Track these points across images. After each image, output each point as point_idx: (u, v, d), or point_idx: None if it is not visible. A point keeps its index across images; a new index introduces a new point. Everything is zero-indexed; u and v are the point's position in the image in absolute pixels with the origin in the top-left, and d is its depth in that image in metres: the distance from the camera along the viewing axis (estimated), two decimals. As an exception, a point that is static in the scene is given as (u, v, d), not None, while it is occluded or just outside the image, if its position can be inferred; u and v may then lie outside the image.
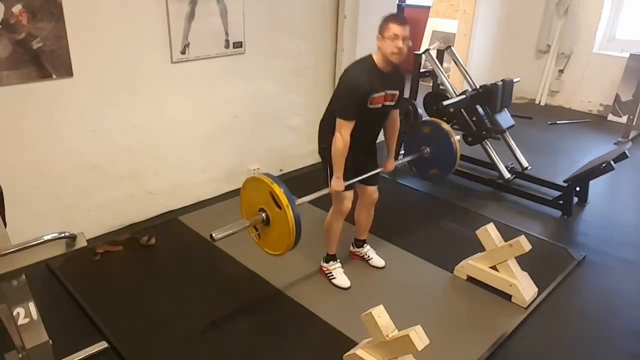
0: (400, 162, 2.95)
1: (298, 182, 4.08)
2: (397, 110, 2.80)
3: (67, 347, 2.03)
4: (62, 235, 1.61)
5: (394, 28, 2.42)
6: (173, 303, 2.70)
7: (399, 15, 2.52)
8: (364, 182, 2.81)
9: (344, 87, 2.54)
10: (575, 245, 3.39)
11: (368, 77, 2.48)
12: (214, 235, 2.23)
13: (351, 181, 2.68)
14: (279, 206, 2.26)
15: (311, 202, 3.66)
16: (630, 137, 5.34)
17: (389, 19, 2.48)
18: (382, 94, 2.55)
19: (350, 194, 2.73)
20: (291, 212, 2.25)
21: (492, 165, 4.12)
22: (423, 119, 3.03)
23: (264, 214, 2.38)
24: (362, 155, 2.74)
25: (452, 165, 3.05)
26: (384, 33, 2.45)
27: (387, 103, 2.62)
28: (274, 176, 2.36)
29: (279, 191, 2.26)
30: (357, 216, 2.97)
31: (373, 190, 2.87)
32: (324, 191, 2.67)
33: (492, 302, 2.76)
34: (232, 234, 2.30)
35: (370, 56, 2.55)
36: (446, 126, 3.01)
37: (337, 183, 2.61)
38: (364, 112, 2.52)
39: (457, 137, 3.02)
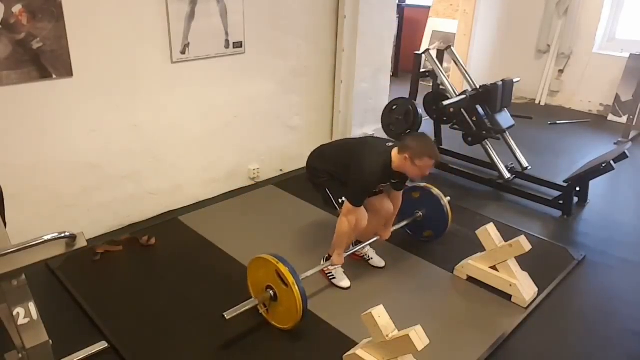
0: (395, 227, 3.05)
1: (298, 182, 4.09)
2: (401, 192, 2.88)
3: (67, 347, 2.03)
4: (62, 235, 1.61)
5: (430, 163, 2.51)
6: (173, 303, 2.70)
7: (436, 151, 2.56)
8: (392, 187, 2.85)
9: (360, 176, 2.57)
10: (575, 245, 3.39)
11: (382, 174, 2.58)
12: (225, 315, 2.32)
13: (348, 253, 2.79)
14: (285, 284, 2.34)
15: (309, 201, 3.69)
16: (630, 137, 5.34)
17: (428, 153, 2.50)
18: (387, 184, 2.75)
19: (365, 213, 2.73)
20: (297, 288, 2.31)
21: (492, 165, 4.12)
22: (412, 185, 3.11)
23: (271, 292, 2.44)
24: None
25: (445, 227, 3.17)
26: (416, 161, 2.49)
27: (389, 186, 2.79)
28: (278, 255, 2.41)
29: (284, 269, 2.33)
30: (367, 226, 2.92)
31: (395, 198, 2.89)
32: (327, 264, 2.76)
33: (492, 302, 2.76)
34: (242, 312, 2.39)
35: (389, 154, 2.59)
36: (436, 191, 3.14)
37: (339, 259, 2.72)
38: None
39: (447, 199, 3.13)
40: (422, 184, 3.22)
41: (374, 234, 2.96)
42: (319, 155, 2.88)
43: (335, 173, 2.75)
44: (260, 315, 2.55)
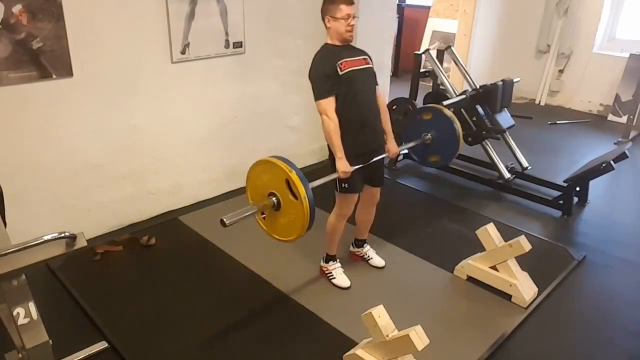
0: (403, 148, 2.91)
1: (298, 182, 4.09)
2: (379, 89, 2.77)
3: (67, 347, 2.03)
4: (62, 235, 1.61)
5: (345, 9, 2.47)
6: (173, 303, 2.70)
7: None
8: (372, 182, 2.79)
9: (311, 72, 2.56)
10: (575, 245, 3.39)
11: (328, 54, 2.55)
12: (225, 220, 2.17)
13: (359, 166, 2.61)
14: (295, 195, 2.17)
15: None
16: (630, 137, 5.34)
17: (336, 0, 2.49)
18: (349, 59, 2.56)
19: (355, 197, 2.72)
20: (307, 203, 2.15)
21: (492, 165, 4.12)
22: (423, 106, 3.02)
23: (274, 199, 2.28)
24: (365, 135, 2.64)
25: (454, 152, 3.03)
26: (335, 14, 2.49)
27: (360, 67, 2.59)
28: (289, 161, 2.25)
29: (297, 181, 2.16)
30: (357, 216, 2.97)
31: (377, 192, 2.87)
32: (334, 175, 2.57)
33: (492, 302, 2.76)
34: (242, 218, 2.23)
35: (323, 44, 2.62)
36: (448, 112, 2.97)
37: (342, 163, 2.52)
38: (341, 83, 2.51)
39: (459, 124, 3.01)
40: (434, 105, 3.09)
41: (367, 224, 2.96)
42: None
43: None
44: (259, 315, 2.55)
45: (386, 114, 2.78)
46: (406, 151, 3.26)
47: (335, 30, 2.53)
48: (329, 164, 2.67)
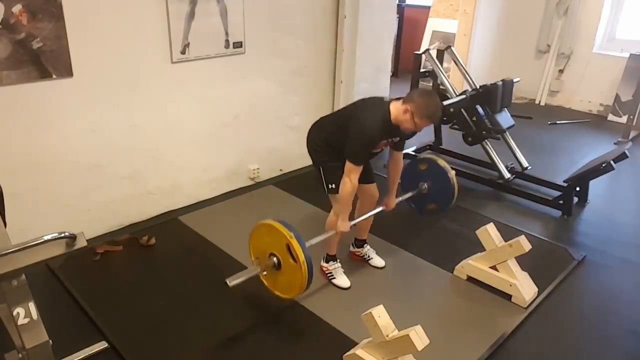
0: (400, 199, 3.02)
1: (298, 182, 4.09)
2: (402, 152, 2.84)
3: (67, 347, 2.03)
4: (62, 235, 1.61)
5: (428, 124, 2.50)
6: (173, 303, 2.70)
7: (438, 113, 2.52)
8: (363, 180, 2.80)
9: (359, 133, 2.50)
10: (575, 245, 3.39)
11: (381, 129, 2.51)
12: (228, 282, 2.29)
13: (356, 221, 2.76)
14: (294, 259, 2.29)
15: (309, 201, 3.69)
16: (630, 137, 5.34)
17: (430, 114, 2.45)
18: (387, 140, 2.63)
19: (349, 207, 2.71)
20: (306, 267, 2.27)
21: (492, 165, 4.12)
22: (418, 156, 3.10)
23: (275, 259, 2.40)
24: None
25: (450, 200, 3.14)
26: (416, 118, 2.44)
27: (389, 146, 2.71)
28: (289, 225, 2.35)
29: (297, 247, 2.27)
30: (357, 216, 2.97)
31: (373, 189, 2.87)
32: (331, 233, 2.71)
33: (492, 302, 2.76)
34: (245, 280, 2.36)
35: (387, 106, 2.53)
36: (442, 162, 3.09)
37: (344, 225, 2.65)
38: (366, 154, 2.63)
39: (453, 172, 3.10)
40: (429, 156, 3.18)
41: (367, 224, 2.98)
42: (319, 124, 2.81)
43: (333, 138, 2.66)
44: (259, 315, 2.55)
45: (399, 175, 2.88)
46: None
47: (404, 120, 2.47)
48: (316, 172, 2.75)
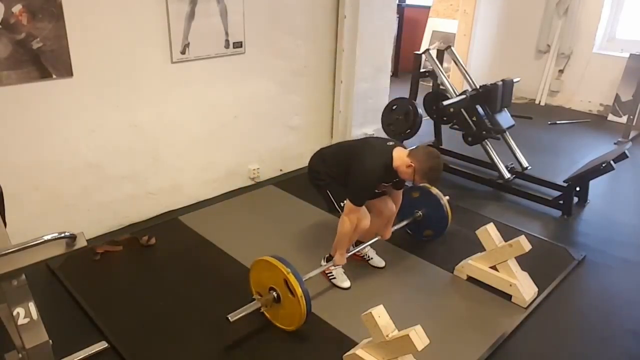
0: (396, 227, 3.08)
1: (298, 182, 4.09)
2: (401, 191, 2.91)
3: (67, 347, 2.03)
4: (62, 235, 1.61)
5: (426, 183, 2.70)
6: (173, 303, 2.70)
7: (438, 176, 2.59)
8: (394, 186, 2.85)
9: (362, 177, 2.57)
10: (575, 245, 3.39)
11: (383, 173, 2.57)
12: (230, 318, 2.33)
13: (351, 253, 2.82)
14: (292, 294, 2.34)
15: (309, 201, 3.68)
16: (630, 137, 5.34)
17: (431, 177, 2.54)
18: (390, 184, 2.73)
19: (364, 210, 2.69)
20: (304, 301, 2.32)
21: (492, 165, 4.12)
22: (411, 185, 3.14)
23: (274, 294, 2.44)
24: None
25: (445, 226, 3.18)
26: (417, 176, 2.51)
27: (391, 186, 2.79)
28: (286, 261, 2.39)
29: (294, 282, 2.32)
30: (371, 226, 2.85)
31: (391, 203, 2.90)
32: (329, 264, 2.77)
33: (492, 302, 2.76)
34: (246, 314, 2.39)
35: (390, 153, 2.58)
36: (435, 190, 3.15)
37: (341, 259, 2.72)
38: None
39: (446, 198, 3.14)
40: (420, 185, 3.22)
41: (374, 234, 2.97)
42: (320, 158, 2.86)
43: (337, 175, 2.74)
44: (260, 316, 2.55)
45: (397, 208, 2.93)
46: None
47: (405, 172, 2.54)
48: (321, 198, 2.83)
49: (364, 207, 2.65)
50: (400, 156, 2.56)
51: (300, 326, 2.41)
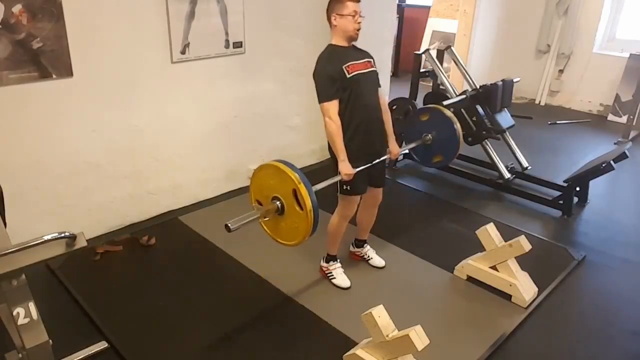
0: (403, 148, 2.98)
1: (298, 182, 4.09)
2: (382, 90, 2.81)
3: (67, 347, 2.03)
4: (62, 235, 1.61)
5: (352, 5, 2.47)
6: (173, 303, 2.70)
7: None
8: (374, 183, 2.79)
9: (316, 72, 2.55)
10: (575, 245, 3.39)
11: (334, 55, 2.54)
12: (229, 225, 2.17)
13: (361, 168, 2.60)
14: (300, 206, 2.19)
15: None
16: (630, 137, 5.34)
17: None
18: (355, 62, 2.57)
19: (357, 199, 2.73)
20: (312, 215, 2.17)
21: (492, 165, 4.12)
22: (419, 108, 3.06)
23: (278, 203, 2.28)
24: (370, 137, 2.65)
25: (456, 151, 3.07)
26: (342, 11, 2.48)
27: (365, 70, 2.61)
28: (298, 170, 2.24)
29: (305, 194, 2.17)
30: (359, 217, 2.97)
31: (379, 192, 2.87)
32: (336, 178, 2.56)
33: (492, 302, 2.76)
34: (246, 223, 2.24)
35: (328, 45, 2.60)
36: (446, 112, 3.01)
37: (344, 166, 2.51)
38: (347, 85, 2.51)
39: (456, 120, 3.06)
40: (431, 106, 3.13)
41: (367, 226, 2.97)
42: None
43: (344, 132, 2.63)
44: (259, 315, 2.55)
45: (388, 115, 2.78)
46: (407, 151, 3.28)
47: (342, 28, 2.52)
48: (332, 165, 2.65)
49: (354, 197, 2.62)
50: (331, 32, 2.59)
51: (302, 241, 2.30)
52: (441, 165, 3.08)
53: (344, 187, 2.63)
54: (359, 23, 2.52)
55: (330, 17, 2.54)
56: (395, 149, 2.85)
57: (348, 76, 2.51)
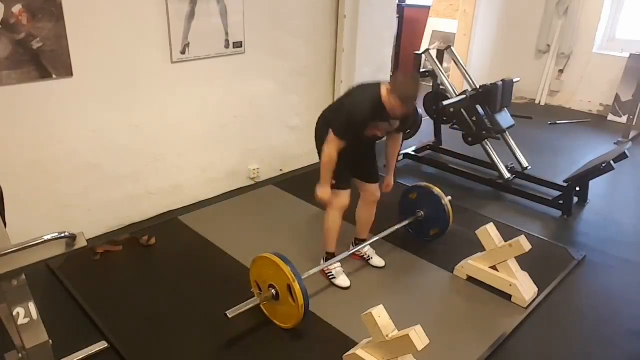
0: (398, 226, 3.12)
1: (298, 182, 4.09)
2: (400, 135, 2.84)
3: (67, 347, 2.03)
4: (62, 235, 1.61)
5: (398, 104, 2.41)
6: (173, 303, 2.70)
7: (411, 94, 2.43)
8: (364, 178, 2.81)
9: (345, 109, 2.53)
10: (575, 245, 3.39)
11: (370, 109, 2.48)
12: (228, 314, 2.33)
13: (353, 251, 2.80)
14: (293, 299, 2.33)
15: (309, 201, 3.68)
16: (630, 137, 5.34)
17: (402, 93, 2.39)
18: (383, 124, 2.57)
19: (346, 192, 2.74)
20: (303, 311, 2.32)
21: (492, 165, 4.12)
22: (411, 185, 3.15)
23: (273, 291, 2.43)
24: (360, 159, 2.79)
25: (448, 225, 3.17)
26: (392, 96, 2.41)
27: (387, 132, 2.68)
28: (291, 264, 2.37)
29: (299, 292, 2.30)
30: (358, 215, 2.98)
31: (375, 188, 2.88)
32: (328, 263, 2.77)
33: (492, 302, 2.76)
34: (244, 311, 2.38)
35: (379, 87, 2.50)
36: (435, 190, 3.14)
37: (322, 190, 2.64)
38: (361, 136, 2.58)
39: (448, 198, 3.13)
40: (418, 184, 3.22)
41: (367, 223, 2.99)
42: (322, 122, 2.78)
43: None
44: (260, 315, 2.55)
45: (397, 153, 2.89)
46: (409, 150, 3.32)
47: (388, 101, 2.44)
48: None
49: (344, 191, 2.68)
50: (386, 87, 2.48)
51: (295, 326, 2.42)
52: (439, 237, 3.20)
53: (331, 182, 2.67)
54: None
55: (391, 83, 2.46)
56: (390, 182, 2.93)
57: (366, 134, 2.57)
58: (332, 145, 2.54)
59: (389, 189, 2.96)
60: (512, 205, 3.92)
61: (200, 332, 2.49)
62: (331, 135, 2.53)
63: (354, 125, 2.52)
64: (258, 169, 4.08)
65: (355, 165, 2.78)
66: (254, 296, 2.49)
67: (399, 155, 3.62)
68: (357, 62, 4.32)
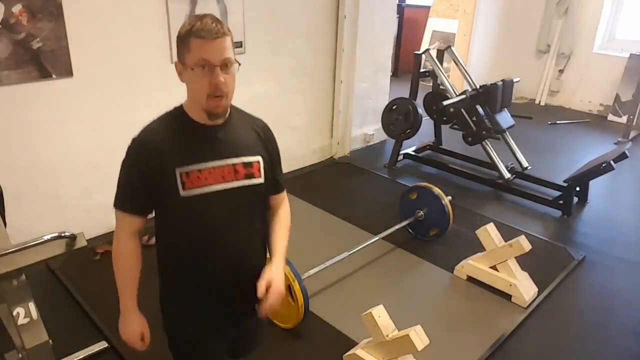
0: (397, 226, 3.07)
1: (298, 182, 4.09)
2: (282, 195, 1.70)
3: (67, 347, 2.03)
4: (62, 235, 1.62)
5: (200, 47, 1.30)
6: (173, 303, 2.70)
7: (208, 22, 1.29)
8: (233, 354, 1.67)
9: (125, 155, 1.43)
10: (575, 245, 3.38)
11: (163, 138, 1.42)
12: None
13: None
14: (293, 299, 2.34)
15: (309, 201, 3.68)
16: (630, 137, 5.34)
17: (191, 30, 1.30)
18: (211, 165, 1.37)
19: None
20: (303, 311, 2.33)
21: (492, 165, 4.12)
22: (411, 185, 3.14)
23: None
24: (222, 302, 1.54)
25: (447, 225, 3.18)
26: (185, 59, 1.34)
27: (237, 183, 1.40)
28: (292, 266, 2.37)
29: (298, 290, 2.31)
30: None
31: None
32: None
33: (492, 302, 2.76)
34: None
35: (174, 108, 1.51)
36: (435, 190, 3.14)
37: (124, 325, 1.56)
38: (179, 204, 1.37)
39: (448, 198, 3.14)
40: (418, 184, 3.21)
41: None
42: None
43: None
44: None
45: (284, 230, 1.70)
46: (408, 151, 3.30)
47: (191, 88, 1.42)
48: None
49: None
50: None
51: (294, 326, 2.42)
52: (439, 238, 3.22)
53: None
54: (214, 83, 1.31)
55: (176, 63, 1.42)
56: (274, 282, 1.52)
57: (182, 193, 1.35)
58: (120, 229, 1.61)
59: (266, 311, 1.52)
60: (512, 205, 3.92)
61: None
62: (116, 212, 1.57)
63: (140, 175, 1.49)
64: (258, 169, 4.08)
65: (219, 317, 1.62)
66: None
67: (396, 161, 3.56)
68: (357, 62, 4.32)
